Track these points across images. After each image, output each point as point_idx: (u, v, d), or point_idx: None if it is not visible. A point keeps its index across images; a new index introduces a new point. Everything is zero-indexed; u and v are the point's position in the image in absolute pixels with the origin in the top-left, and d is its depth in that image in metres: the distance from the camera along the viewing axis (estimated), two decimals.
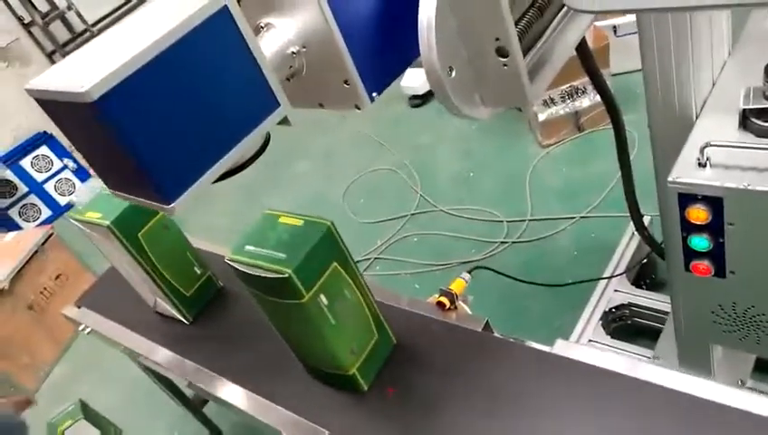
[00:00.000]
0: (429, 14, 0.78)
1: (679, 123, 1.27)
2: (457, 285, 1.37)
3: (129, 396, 2.67)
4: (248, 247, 1.11)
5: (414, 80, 3.65)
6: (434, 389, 1.18)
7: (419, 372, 1.23)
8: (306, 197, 3.56)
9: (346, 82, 0.85)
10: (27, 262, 3.11)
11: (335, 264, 1.12)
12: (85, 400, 1.87)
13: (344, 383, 1.23)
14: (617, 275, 2.03)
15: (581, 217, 2.62)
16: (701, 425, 0.96)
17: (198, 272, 1.62)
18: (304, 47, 0.84)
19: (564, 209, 2.70)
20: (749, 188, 1.06)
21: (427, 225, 2.97)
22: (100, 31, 4.51)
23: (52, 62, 4.80)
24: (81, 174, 4.70)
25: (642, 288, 2.04)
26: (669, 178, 1.14)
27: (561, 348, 1.15)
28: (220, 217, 3.50)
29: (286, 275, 1.03)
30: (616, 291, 1.99)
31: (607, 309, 1.96)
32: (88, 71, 0.65)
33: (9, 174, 4.42)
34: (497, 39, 0.81)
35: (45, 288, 3.20)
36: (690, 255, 1.23)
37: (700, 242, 1.19)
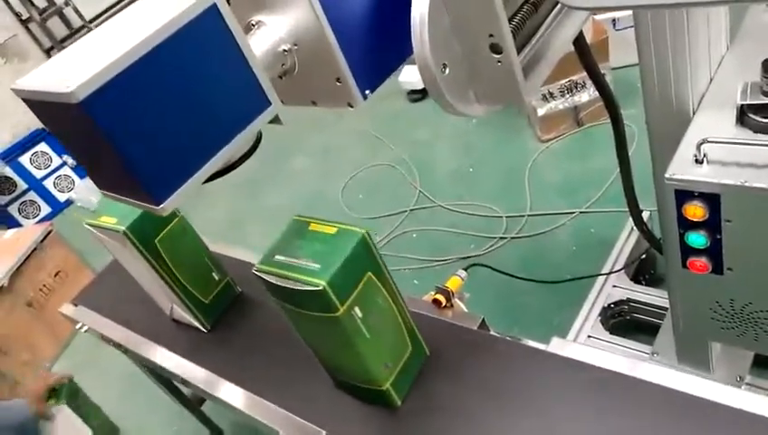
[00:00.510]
0: (422, 11, 0.77)
1: (676, 119, 1.26)
2: (453, 283, 1.37)
3: (128, 392, 2.67)
4: (278, 257, 1.05)
5: (412, 75, 3.62)
6: None
7: None
8: (305, 193, 3.54)
9: (338, 79, 0.84)
10: (26, 259, 3.11)
11: (369, 273, 1.06)
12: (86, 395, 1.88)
13: (375, 398, 1.17)
14: (616, 271, 2.02)
15: (581, 213, 2.61)
16: (698, 423, 0.95)
17: (217, 278, 1.56)
18: (296, 45, 0.83)
19: (563, 204, 2.69)
20: (746, 184, 1.06)
21: (427, 220, 2.96)
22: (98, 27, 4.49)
23: (50, 58, 4.78)
24: (81, 171, 4.69)
25: (641, 284, 2.03)
26: (666, 175, 1.13)
27: (556, 346, 1.15)
28: (218, 214, 3.48)
29: (320, 288, 0.96)
30: (615, 286, 1.99)
31: (606, 305, 1.95)
32: (74, 70, 0.64)
33: (8, 171, 4.43)
34: (491, 35, 0.80)
35: (45, 285, 3.20)
36: (687, 251, 1.23)
37: (697, 239, 1.18)
